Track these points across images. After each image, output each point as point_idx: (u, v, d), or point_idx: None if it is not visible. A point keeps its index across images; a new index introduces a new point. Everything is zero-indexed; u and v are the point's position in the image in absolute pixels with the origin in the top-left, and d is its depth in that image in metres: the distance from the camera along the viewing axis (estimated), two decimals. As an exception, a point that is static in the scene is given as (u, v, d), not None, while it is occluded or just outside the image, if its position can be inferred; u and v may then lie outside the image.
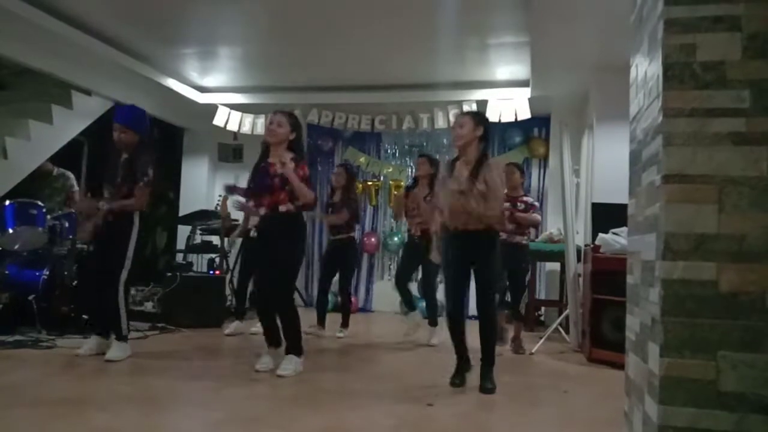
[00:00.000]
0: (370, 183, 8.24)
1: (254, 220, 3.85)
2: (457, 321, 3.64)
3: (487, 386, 3.48)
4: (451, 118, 6.84)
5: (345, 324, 5.50)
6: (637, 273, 1.98)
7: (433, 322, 5.22)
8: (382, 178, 8.23)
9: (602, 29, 4.77)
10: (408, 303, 5.38)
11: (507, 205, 4.84)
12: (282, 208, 3.72)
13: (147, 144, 4.19)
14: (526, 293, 5.73)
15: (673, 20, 1.69)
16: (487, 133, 3.68)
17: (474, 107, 6.90)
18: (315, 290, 7.27)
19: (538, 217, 5.22)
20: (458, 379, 3.59)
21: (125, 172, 4.01)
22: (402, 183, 7.83)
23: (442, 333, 5.06)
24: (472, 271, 3.62)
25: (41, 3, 5.23)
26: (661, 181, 1.68)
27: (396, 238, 7.91)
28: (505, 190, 5.04)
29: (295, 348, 3.78)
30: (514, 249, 4.91)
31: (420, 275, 5.66)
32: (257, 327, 5.44)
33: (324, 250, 5.81)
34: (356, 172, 6.79)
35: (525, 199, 5.15)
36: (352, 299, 7.65)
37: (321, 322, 5.48)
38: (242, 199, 4.02)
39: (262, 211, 3.76)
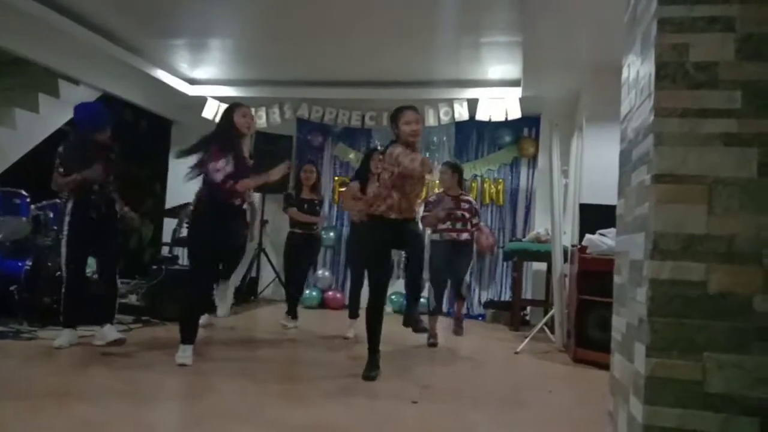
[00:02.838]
0: (359, 179, 8.21)
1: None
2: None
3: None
4: (443, 116, 6.86)
5: (292, 313, 5.61)
6: (625, 273, 1.98)
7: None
8: (371, 175, 8.21)
9: (594, 30, 4.78)
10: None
11: (451, 202, 5.07)
12: (248, 199, 4.04)
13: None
14: (465, 286, 5.77)
15: (667, 20, 1.69)
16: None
17: (465, 105, 6.91)
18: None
19: (489, 238, 5.30)
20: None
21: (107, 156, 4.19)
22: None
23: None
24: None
25: (29, -10, 5.16)
26: (651, 180, 1.68)
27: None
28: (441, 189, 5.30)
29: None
30: (460, 245, 5.10)
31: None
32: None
33: (288, 243, 5.73)
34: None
35: (467, 198, 5.29)
36: (338, 295, 7.68)
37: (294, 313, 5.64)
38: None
39: (238, 201, 3.85)
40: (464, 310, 5.90)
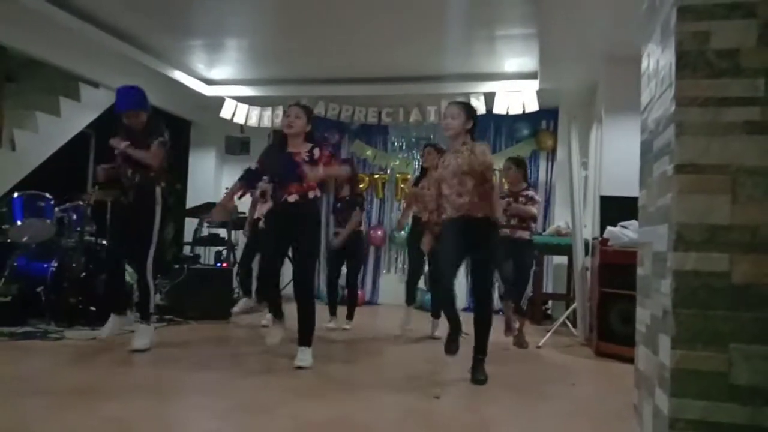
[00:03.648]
0: (376, 176, 8.23)
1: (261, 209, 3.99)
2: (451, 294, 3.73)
3: (479, 378, 3.52)
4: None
5: (350, 316, 5.54)
6: (648, 264, 1.96)
7: (436, 315, 5.23)
8: (389, 171, 8.22)
9: (611, 20, 4.73)
10: (412, 295, 5.43)
11: (509, 200, 4.87)
12: (311, 195, 3.82)
13: (155, 117, 4.28)
14: (529, 288, 5.65)
15: (687, 7, 1.66)
16: (475, 125, 3.81)
17: (481, 99, 6.87)
18: (321, 283, 7.31)
19: (533, 209, 5.00)
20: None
21: (139, 140, 4.06)
22: (409, 176, 7.81)
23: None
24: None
25: (49, -5, 5.23)
26: (674, 171, 1.66)
27: (403, 232, 7.89)
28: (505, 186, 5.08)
29: (310, 340, 3.83)
30: (516, 244, 4.88)
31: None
32: (266, 319, 5.49)
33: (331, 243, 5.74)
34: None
35: (526, 193, 5.02)
36: (359, 292, 7.69)
37: (333, 312, 5.55)
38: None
39: (292, 198, 3.79)
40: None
